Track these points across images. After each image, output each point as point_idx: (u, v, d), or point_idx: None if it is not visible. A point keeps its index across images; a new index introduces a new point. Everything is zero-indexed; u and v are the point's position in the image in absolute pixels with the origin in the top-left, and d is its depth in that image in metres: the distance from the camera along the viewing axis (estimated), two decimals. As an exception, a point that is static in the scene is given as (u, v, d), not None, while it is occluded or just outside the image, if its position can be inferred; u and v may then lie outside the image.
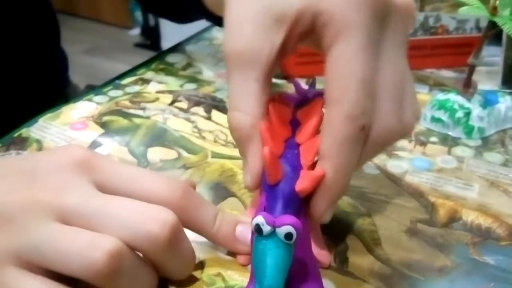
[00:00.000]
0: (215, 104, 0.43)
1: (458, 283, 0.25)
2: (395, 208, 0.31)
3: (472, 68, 0.37)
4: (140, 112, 0.42)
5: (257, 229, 0.20)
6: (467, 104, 0.37)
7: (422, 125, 0.39)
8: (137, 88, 0.46)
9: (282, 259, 0.20)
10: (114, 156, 0.36)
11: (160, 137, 0.38)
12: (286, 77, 0.48)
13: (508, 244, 0.28)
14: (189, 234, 0.25)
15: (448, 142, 0.37)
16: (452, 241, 0.28)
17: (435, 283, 0.25)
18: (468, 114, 0.37)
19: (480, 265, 0.26)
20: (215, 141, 0.38)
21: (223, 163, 0.35)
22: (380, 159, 0.35)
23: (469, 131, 0.37)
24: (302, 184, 0.22)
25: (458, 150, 0.36)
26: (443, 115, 0.38)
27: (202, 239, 0.27)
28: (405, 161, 0.35)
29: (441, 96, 0.39)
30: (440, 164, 0.35)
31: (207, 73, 0.49)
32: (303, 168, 0.23)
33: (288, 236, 0.20)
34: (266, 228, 0.20)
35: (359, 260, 0.27)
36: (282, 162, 0.23)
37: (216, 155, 0.36)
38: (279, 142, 0.24)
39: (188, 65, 0.51)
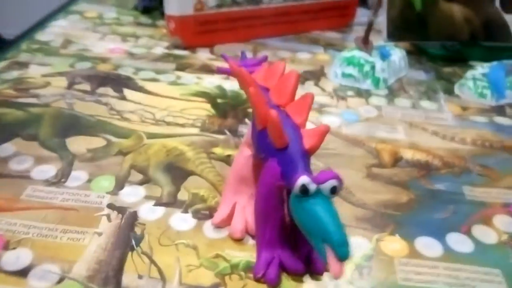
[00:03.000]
0: (124, 82, 0.38)
1: (427, 211, 0.28)
2: (347, 158, 0.32)
3: (370, 25, 0.41)
4: (33, 100, 0.35)
5: (304, 190, 0.19)
6: (370, 59, 0.41)
7: (335, 82, 0.41)
8: (15, 73, 0.38)
9: (335, 212, 0.19)
10: (22, 153, 0.29)
11: (73, 125, 0.33)
12: (187, 47, 0.45)
13: (447, 171, 0.32)
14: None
15: (363, 94, 0.40)
16: (405, 177, 0.31)
17: (410, 215, 0.28)
18: (373, 67, 0.41)
19: (436, 193, 0.30)
20: (142, 121, 0.34)
21: (164, 143, 0.32)
22: (315, 116, 0.36)
23: (376, 82, 0.41)
24: (311, 141, 0.22)
25: (374, 100, 0.40)
26: (352, 70, 0.41)
27: (183, 227, 0.25)
28: (336, 116, 0.37)
29: (346, 53, 0.42)
30: (364, 115, 0.38)
31: (96, 49, 0.43)
32: (300, 128, 0.23)
33: (334, 189, 0.19)
34: (313, 187, 0.19)
35: (341, 210, 0.28)
36: None
37: (152, 136, 0.33)
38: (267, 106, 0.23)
39: (67, 42, 0.44)
